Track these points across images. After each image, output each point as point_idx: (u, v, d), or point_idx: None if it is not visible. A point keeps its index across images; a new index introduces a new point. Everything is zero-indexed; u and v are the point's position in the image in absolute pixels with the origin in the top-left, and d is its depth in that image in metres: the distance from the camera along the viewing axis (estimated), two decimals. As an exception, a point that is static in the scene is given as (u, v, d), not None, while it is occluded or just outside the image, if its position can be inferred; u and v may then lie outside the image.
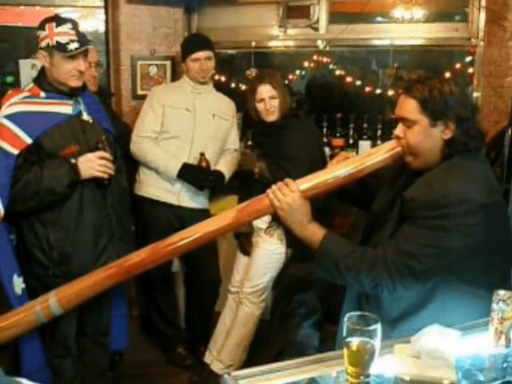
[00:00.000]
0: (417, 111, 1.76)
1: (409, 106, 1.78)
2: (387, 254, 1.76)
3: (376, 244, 1.86)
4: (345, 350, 1.26)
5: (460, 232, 1.67)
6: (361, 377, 1.25)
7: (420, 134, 1.78)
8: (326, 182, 1.94)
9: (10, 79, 4.34)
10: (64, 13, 3.88)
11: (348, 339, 1.26)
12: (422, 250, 1.70)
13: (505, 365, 1.43)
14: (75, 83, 2.40)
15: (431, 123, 1.76)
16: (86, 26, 3.89)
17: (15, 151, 2.30)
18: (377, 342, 1.25)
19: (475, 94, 3.33)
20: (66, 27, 2.34)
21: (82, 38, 2.37)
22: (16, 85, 4.13)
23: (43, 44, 2.34)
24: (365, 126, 3.71)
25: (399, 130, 1.84)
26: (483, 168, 1.80)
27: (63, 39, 2.32)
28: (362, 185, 2.08)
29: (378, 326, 1.25)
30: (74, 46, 2.32)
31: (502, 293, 1.50)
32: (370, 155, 1.95)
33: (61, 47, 2.31)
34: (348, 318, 1.28)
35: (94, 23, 4.12)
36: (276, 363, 1.43)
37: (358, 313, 1.31)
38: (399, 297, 1.80)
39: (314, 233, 1.89)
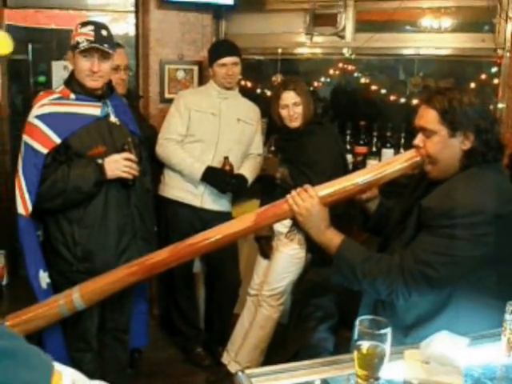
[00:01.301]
0: (436, 121, 1.79)
1: (429, 117, 1.81)
2: (403, 262, 1.78)
3: (393, 251, 1.89)
4: (355, 353, 1.29)
5: (474, 241, 1.68)
6: (370, 380, 1.28)
7: (439, 144, 1.80)
8: (344, 189, 1.97)
9: (41, 79, 4.47)
10: (95, 16, 4.00)
11: (359, 342, 1.29)
12: (437, 259, 1.72)
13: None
14: (90, 84, 2.43)
15: (450, 134, 1.78)
16: (116, 30, 3.96)
17: (44, 150, 2.37)
18: (387, 346, 1.27)
19: (500, 105, 3.32)
20: (88, 28, 2.37)
21: (100, 39, 2.37)
22: (48, 85, 4.25)
23: (70, 45, 2.43)
24: (388, 134, 3.72)
25: (419, 139, 1.86)
26: (501, 179, 1.81)
27: (81, 39, 2.36)
28: (385, 217, 2.11)
29: (389, 331, 1.28)
30: (85, 44, 2.36)
31: (515, 303, 1.51)
32: (389, 164, 1.98)
33: (77, 46, 2.37)
34: (360, 322, 1.30)
35: (124, 27, 4.20)
36: (289, 363, 1.46)
37: (370, 317, 1.33)
38: (414, 304, 1.82)
39: (332, 238, 1.92)
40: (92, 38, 2.35)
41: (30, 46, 4.31)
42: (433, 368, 1.29)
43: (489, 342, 1.58)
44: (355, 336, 1.29)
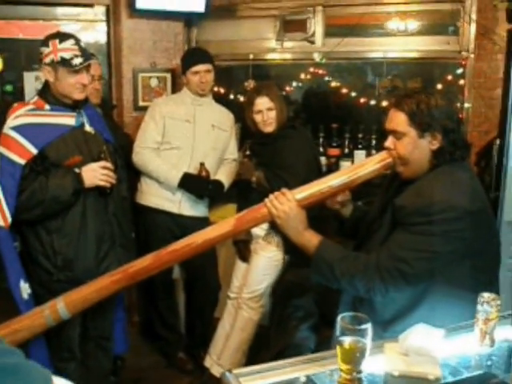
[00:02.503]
0: (406, 124, 1.86)
1: (398, 119, 1.88)
2: (379, 259, 1.84)
3: (369, 249, 1.95)
4: (338, 348, 1.34)
5: (447, 237, 1.76)
6: (353, 373, 1.33)
7: (409, 145, 1.87)
8: (320, 192, 2.03)
9: (9, 88, 4.47)
10: (65, 25, 4.00)
11: (341, 338, 1.34)
12: (412, 255, 1.79)
13: (489, 363, 1.51)
14: (78, 96, 2.49)
15: (419, 134, 1.86)
16: (87, 38, 3.98)
17: (22, 161, 2.39)
18: (368, 341, 1.33)
19: (466, 105, 3.43)
20: (69, 43, 2.42)
21: (85, 53, 2.46)
22: (16, 94, 4.25)
23: (47, 60, 2.42)
24: (360, 135, 3.80)
25: (389, 141, 1.93)
26: (469, 176, 1.90)
27: (67, 55, 2.40)
28: (361, 220, 2.18)
29: (369, 326, 1.33)
30: (78, 60, 2.41)
31: (486, 295, 1.58)
32: (363, 166, 2.04)
33: (65, 62, 2.40)
34: (341, 318, 1.36)
35: (94, 35, 4.21)
36: (275, 362, 1.51)
37: (351, 313, 1.39)
38: (391, 300, 1.88)
39: (310, 239, 1.98)
40: (78, 53, 2.41)
41: (-2, 56, 4.30)
42: (412, 359, 1.35)
43: (463, 333, 1.65)
44: (337, 332, 1.35)
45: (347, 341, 1.32)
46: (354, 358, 1.33)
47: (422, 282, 1.83)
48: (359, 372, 1.35)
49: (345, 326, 1.34)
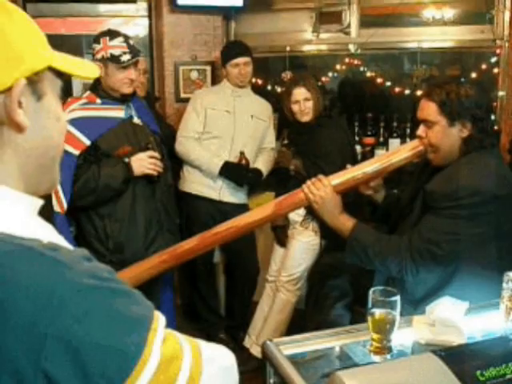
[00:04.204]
0: (436, 113, 1.95)
1: (429, 109, 1.97)
2: (411, 241, 1.95)
3: (401, 232, 2.06)
4: (369, 319, 1.48)
5: (475, 220, 1.85)
6: (383, 341, 1.47)
7: (440, 133, 1.97)
8: (355, 178, 2.14)
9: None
10: (109, 21, 4.17)
11: (372, 310, 1.47)
12: (441, 237, 1.89)
13: (513, 337, 1.61)
14: (127, 90, 2.66)
15: (449, 123, 1.95)
16: (128, 33, 4.14)
17: (76, 152, 2.57)
18: (397, 312, 1.46)
19: (500, 93, 3.47)
20: (118, 40, 2.60)
21: (133, 50, 2.62)
22: (63, 88, 4.44)
23: (98, 56, 2.60)
24: (394, 124, 3.88)
25: (421, 130, 2.03)
26: (497, 163, 1.98)
27: (116, 51, 2.57)
28: (393, 206, 2.28)
29: (398, 298, 1.46)
30: (126, 57, 2.58)
31: (511, 274, 1.68)
32: (395, 153, 2.14)
33: (114, 59, 2.57)
34: (373, 292, 1.49)
35: (135, 29, 4.37)
36: (311, 333, 1.65)
37: (382, 287, 1.52)
38: (422, 280, 1.98)
39: (345, 223, 2.10)
40: (127, 50, 2.57)
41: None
42: (438, 329, 1.47)
43: (489, 311, 1.75)
44: (369, 304, 1.48)
45: (378, 312, 1.46)
46: (384, 328, 1.46)
47: (451, 262, 1.92)
48: (389, 341, 1.48)
49: (376, 299, 1.47)
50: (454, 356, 1.24)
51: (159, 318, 0.78)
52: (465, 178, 1.87)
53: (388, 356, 1.46)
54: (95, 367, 0.70)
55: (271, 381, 1.53)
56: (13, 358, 0.68)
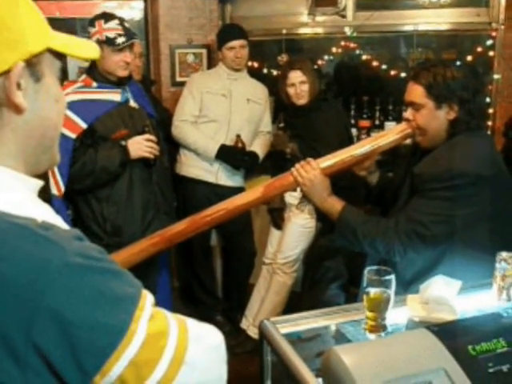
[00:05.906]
0: (423, 96, 1.96)
1: (416, 92, 1.98)
2: (398, 222, 1.97)
3: (392, 215, 2.08)
4: (364, 298, 1.50)
5: (462, 201, 1.87)
6: (378, 319, 1.50)
7: (427, 115, 1.98)
8: (343, 161, 2.14)
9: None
10: (104, 4, 4.15)
11: (367, 289, 1.50)
12: (429, 218, 1.91)
13: (505, 315, 1.64)
14: (122, 73, 2.66)
15: (436, 106, 1.95)
16: (123, 16, 4.11)
17: (73, 135, 2.59)
18: (391, 291, 1.49)
19: (496, 76, 3.48)
20: (114, 23, 2.60)
21: (129, 33, 2.62)
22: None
23: (93, 39, 2.59)
24: (390, 107, 3.89)
25: (409, 113, 2.04)
26: (484, 144, 2.00)
27: (111, 34, 2.57)
28: (386, 188, 2.30)
29: (392, 277, 1.49)
30: (121, 39, 2.58)
31: (504, 254, 1.70)
32: (383, 136, 2.16)
33: (109, 41, 2.57)
34: (367, 271, 1.51)
35: (130, 12, 4.35)
36: (309, 311, 1.67)
37: (376, 267, 1.55)
38: (411, 261, 2.00)
39: (333, 205, 2.10)
40: (122, 32, 2.57)
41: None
42: (431, 307, 1.50)
43: (481, 290, 1.78)
44: (364, 283, 1.51)
45: (373, 291, 1.48)
46: (378, 306, 1.49)
47: (440, 244, 1.93)
48: (384, 319, 1.51)
49: (371, 278, 1.49)
50: (446, 331, 1.27)
51: (147, 296, 0.80)
52: (451, 160, 1.89)
53: (383, 334, 1.49)
54: (82, 341, 0.73)
55: (268, 359, 1.56)
56: (4, 330, 0.71)
